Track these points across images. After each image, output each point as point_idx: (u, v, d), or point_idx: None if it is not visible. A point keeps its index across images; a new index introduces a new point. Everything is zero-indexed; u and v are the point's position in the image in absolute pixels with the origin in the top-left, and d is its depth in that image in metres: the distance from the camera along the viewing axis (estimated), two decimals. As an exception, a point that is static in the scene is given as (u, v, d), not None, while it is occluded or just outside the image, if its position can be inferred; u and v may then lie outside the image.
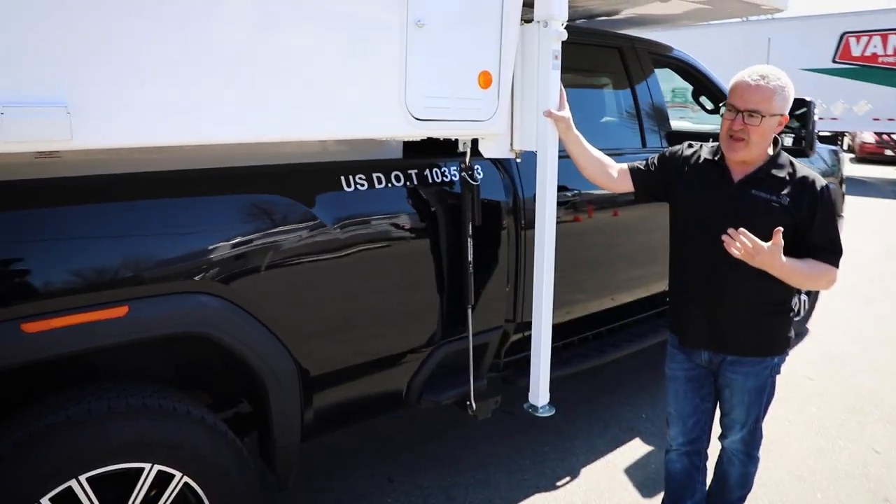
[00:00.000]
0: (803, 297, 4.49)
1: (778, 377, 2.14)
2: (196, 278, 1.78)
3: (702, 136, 4.46)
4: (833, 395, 3.69)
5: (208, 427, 1.87)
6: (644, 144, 3.14)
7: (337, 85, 1.73)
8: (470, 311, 2.33)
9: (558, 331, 3.02)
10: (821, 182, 1.95)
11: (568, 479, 2.88)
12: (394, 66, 1.79)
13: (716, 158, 2.08)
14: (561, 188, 2.39)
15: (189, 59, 1.47)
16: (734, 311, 2.04)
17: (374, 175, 2.14)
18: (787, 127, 3.57)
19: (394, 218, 2.19)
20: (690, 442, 2.25)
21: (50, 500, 1.65)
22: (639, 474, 2.91)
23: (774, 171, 1.97)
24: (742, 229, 1.82)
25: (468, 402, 2.46)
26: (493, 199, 2.46)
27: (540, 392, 2.36)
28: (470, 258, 2.25)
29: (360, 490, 2.76)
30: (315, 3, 1.64)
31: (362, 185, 2.11)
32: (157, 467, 1.78)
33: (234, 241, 1.86)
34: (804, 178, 1.96)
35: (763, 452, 3.05)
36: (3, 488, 1.58)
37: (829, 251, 1.93)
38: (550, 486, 2.82)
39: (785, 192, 1.94)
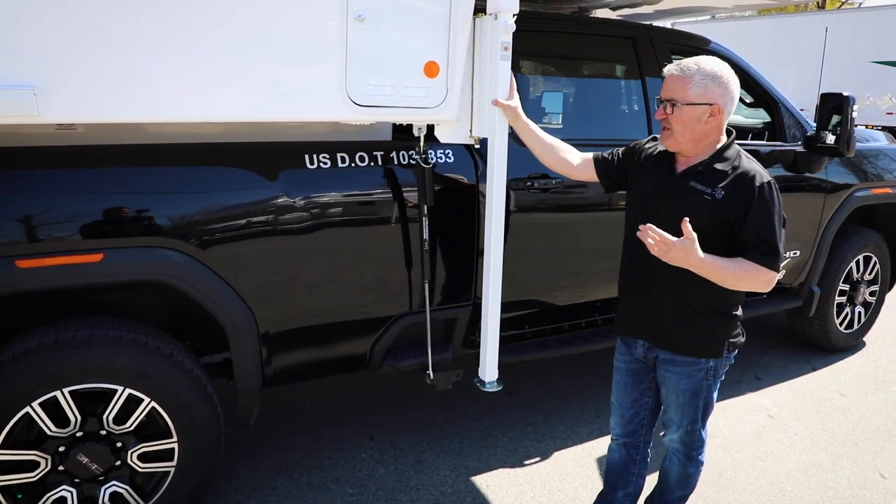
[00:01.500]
0: (858, 308, 4.15)
1: (719, 381, 2.11)
2: (163, 236, 2.10)
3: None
4: (861, 414, 3.44)
5: (175, 363, 2.20)
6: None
7: (280, 73, 1.96)
8: (426, 285, 2.49)
9: (569, 312, 3.07)
10: (761, 178, 1.90)
11: (538, 459, 2.97)
12: (334, 56, 1.98)
13: (667, 151, 2.09)
14: None
15: (137, 50, 1.76)
16: (663, 306, 2.04)
17: (339, 154, 2.36)
18: (834, 125, 3.38)
19: (355, 196, 2.40)
20: (627, 434, 2.28)
21: (40, 405, 2.06)
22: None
23: (717, 164, 1.95)
24: (650, 225, 1.83)
25: (427, 372, 2.63)
26: (464, 182, 2.59)
27: (487, 368, 2.48)
28: (425, 236, 2.41)
29: (342, 444, 3.03)
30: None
31: (325, 164, 2.33)
32: (128, 390, 2.14)
33: (199, 207, 2.16)
34: (744, 172, 1.92)
35: (752, 460, 2.98)
36: (3, 390, 1.99)
37: (762, 251, 1.88)
38: (518, 464, 2.93)
39: (721, 185, 1.91)
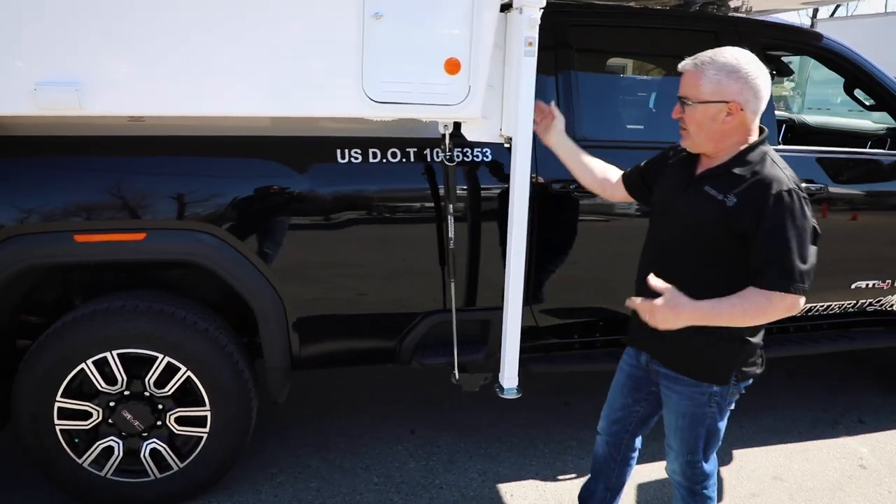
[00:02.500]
0: None
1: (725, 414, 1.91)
2: (198, 220, 2.28)
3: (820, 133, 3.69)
4: None
5: (209, 338, 2.38)
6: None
7: (297, 69, 2.04)
8: (452, 285, 2.47)
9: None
10: (780, 186, 1.66)
11: (573, 475, 2.83)
12: (350, 53, 2.02)
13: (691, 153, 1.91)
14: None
15: (169, 53, 1.93)
16: None
17: (370, 150, 2.41)
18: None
19: (384, 191, 2.44)
20: (610, 434, 2.18)
21: (93, 363, 2.33)
22: (651, 490, 2.72)
23: (736, 168, 1.74)
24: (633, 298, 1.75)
25: (453, 372, 2.60)
26: (501, 182, 2.53)
27: (506, 374, 2.41)
28: (450, 235, 2.39)
29: (382, 433, 3.09)
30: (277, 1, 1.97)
31: (356, 159, 2.39)
32: (167, 358, 2.36)
33: (234, 196, 2.31)
34: (762, 178, 1.68)
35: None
36: (63, 346, 2.28)
37: (778, 271, 1.63)
38: (550, 478, 2.81)
39: (736, 191, 1.70)
